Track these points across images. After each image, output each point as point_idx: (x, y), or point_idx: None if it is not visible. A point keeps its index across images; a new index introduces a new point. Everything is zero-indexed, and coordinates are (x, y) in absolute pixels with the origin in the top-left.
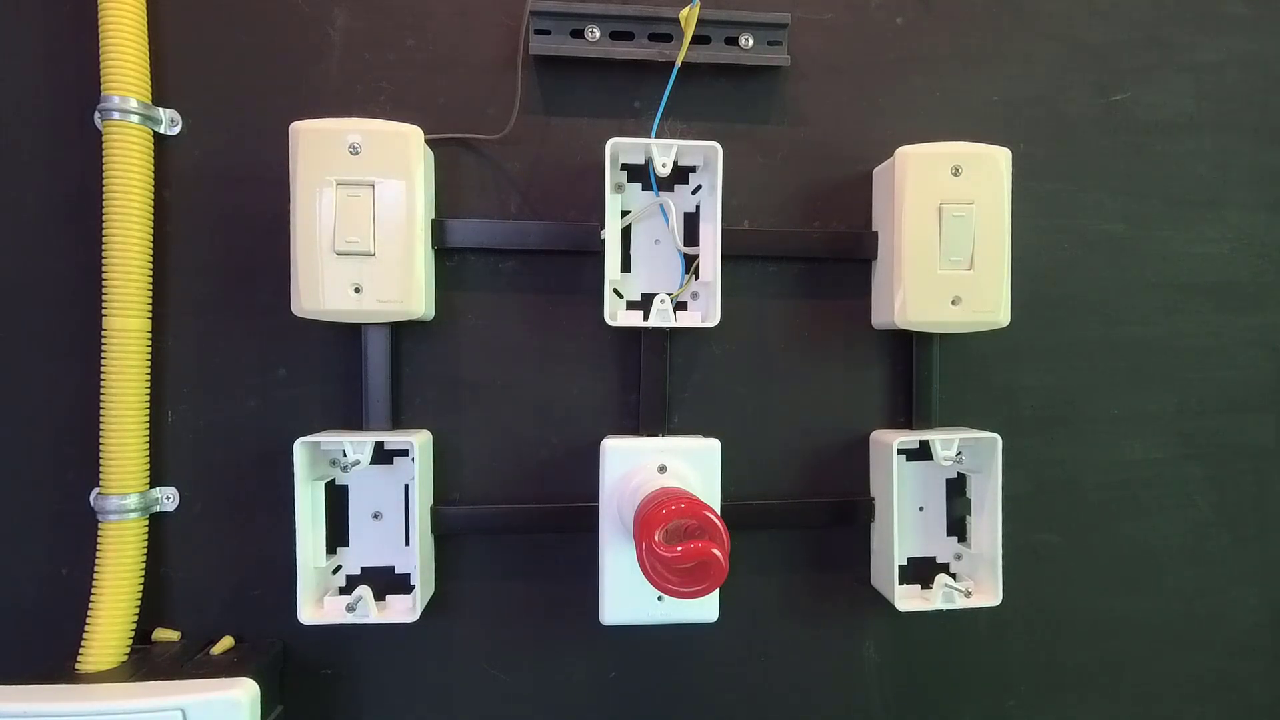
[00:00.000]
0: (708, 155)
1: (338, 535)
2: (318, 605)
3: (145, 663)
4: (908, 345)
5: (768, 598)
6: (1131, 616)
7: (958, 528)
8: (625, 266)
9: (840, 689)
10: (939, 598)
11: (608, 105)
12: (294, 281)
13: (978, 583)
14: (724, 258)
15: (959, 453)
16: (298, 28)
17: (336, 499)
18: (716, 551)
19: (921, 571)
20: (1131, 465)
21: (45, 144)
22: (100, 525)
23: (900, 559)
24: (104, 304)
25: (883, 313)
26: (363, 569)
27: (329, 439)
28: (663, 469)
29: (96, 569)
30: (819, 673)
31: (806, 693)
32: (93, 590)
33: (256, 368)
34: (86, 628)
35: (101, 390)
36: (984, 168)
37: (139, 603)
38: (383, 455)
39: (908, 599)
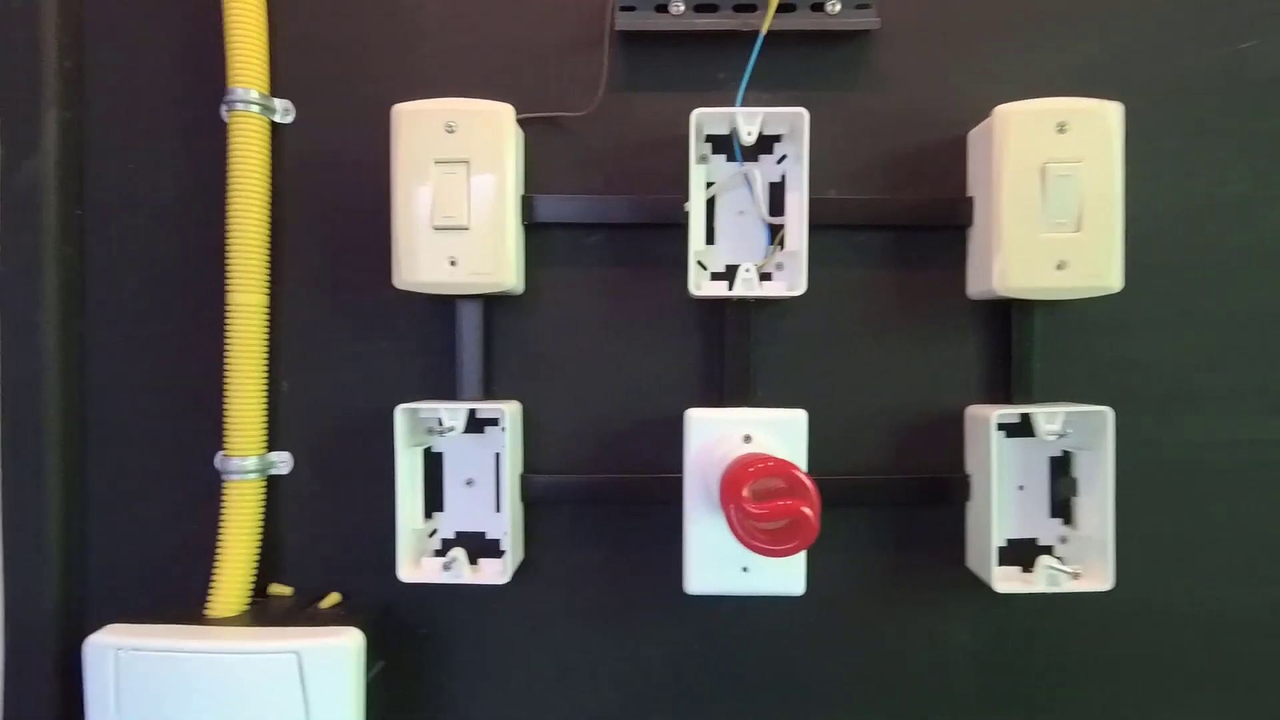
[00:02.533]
0: (794, 122)
1: (434, 501)
2: (415, 565)
3: (263, 613)
4: (1006, 315)
5: (854, 576)
6: (1253, 609)
7: (1061, 509)
8: (709, 239)
9: (932, 673)
10: (1042, 579)
11: (692, 78)
12: (395, 256)
13: (1086, 566)
14: (810, 227)
15: (1064, 428)
16: (395, 16)
17: (433, 466)
18: (806, 509)
19: (1021, 554)
20: (1254, 445)
21: (177, 134)
22: (224, 485)
23: (1000, 539)
24: (227, 281)
25: (979, 281)
26: (456, 533)
27: (426, 406)
28: (747, 439)
29: (221, 524)
30: (909, 655)
31: (895, 676)
32: (218, 544)
33: (361, 340)
34: (213, 579)
35: (225, 360)
36: (1093, 123)
37: (257, 558)
38: (475, 424)
39: (1007, 580)
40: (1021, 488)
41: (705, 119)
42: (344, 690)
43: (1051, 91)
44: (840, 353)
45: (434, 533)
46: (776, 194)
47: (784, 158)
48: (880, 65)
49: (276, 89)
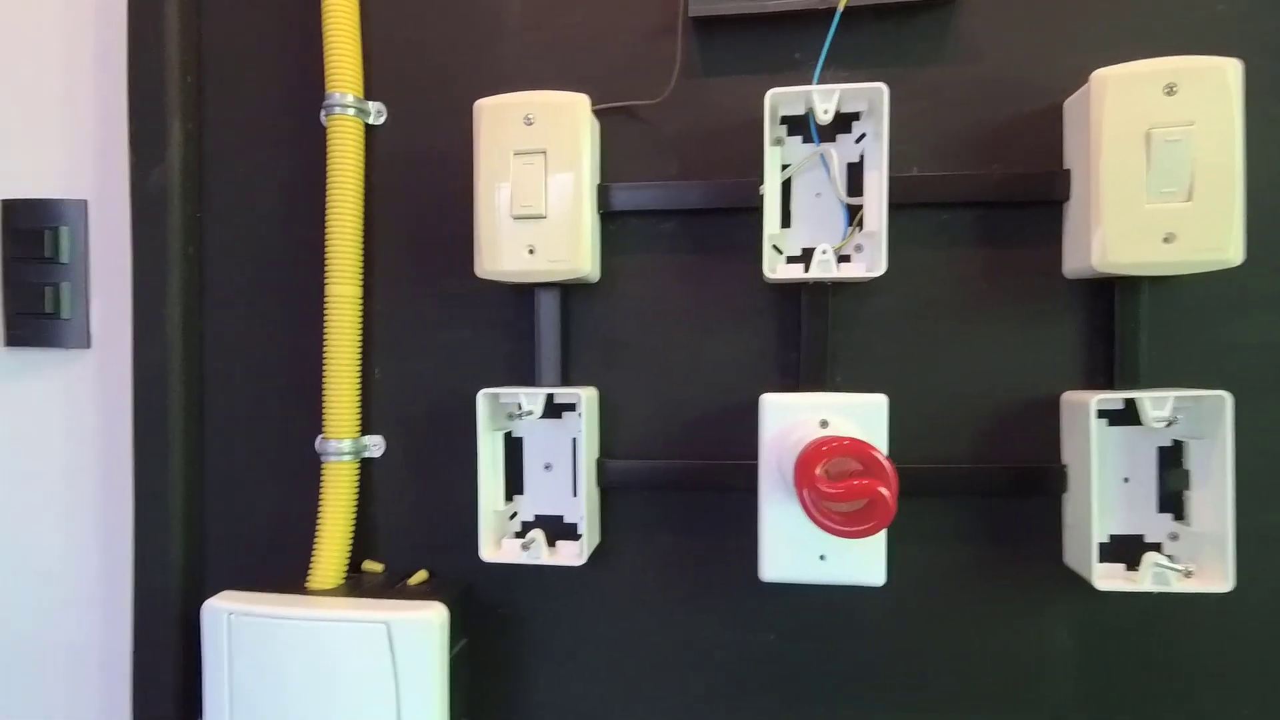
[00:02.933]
0: (872, 99)
1: (514, 484)
2: (496, 546)
3: (357, 587)
4: (1106, 295)
5: (940, 569)
6: None
7: (1171, 504)
8: (785, 222)
9: (1026, 675)
10: (1148, 578)
11: (767, 60)
12: (477, 245)
13: (1200, 565)
14: (891, 207)
15: (1174, 415)
16: (476, 16)
17: (513, 451)
18: (883, 490)
19: (1126, 551)
20: None
21: (283, 139)
22: (323, 466)
23: (1101, 535)
24: (326, 274)
25: (1077, 258)
26: (536, 516)
27: (506, 391)
28: (824, 424)
29: (320, 503)
30: (1000, 656)
31: (984, 676)
32: (317, 521)
33: (446, 329)
34: (313, 554)
35: (324, 348)
36: (1207, 83)
37: (352, 536)
38: (553, 410)
39: (1109, 578)
40: (1127, 480)
41: (780, 99)
42: (430, 661)
43: (1153, 53)
44: (924, 336)
45: (514, 515)
46: (855, 174)
47: (863, 136)
48: (964, 34)
49: (370, 93)
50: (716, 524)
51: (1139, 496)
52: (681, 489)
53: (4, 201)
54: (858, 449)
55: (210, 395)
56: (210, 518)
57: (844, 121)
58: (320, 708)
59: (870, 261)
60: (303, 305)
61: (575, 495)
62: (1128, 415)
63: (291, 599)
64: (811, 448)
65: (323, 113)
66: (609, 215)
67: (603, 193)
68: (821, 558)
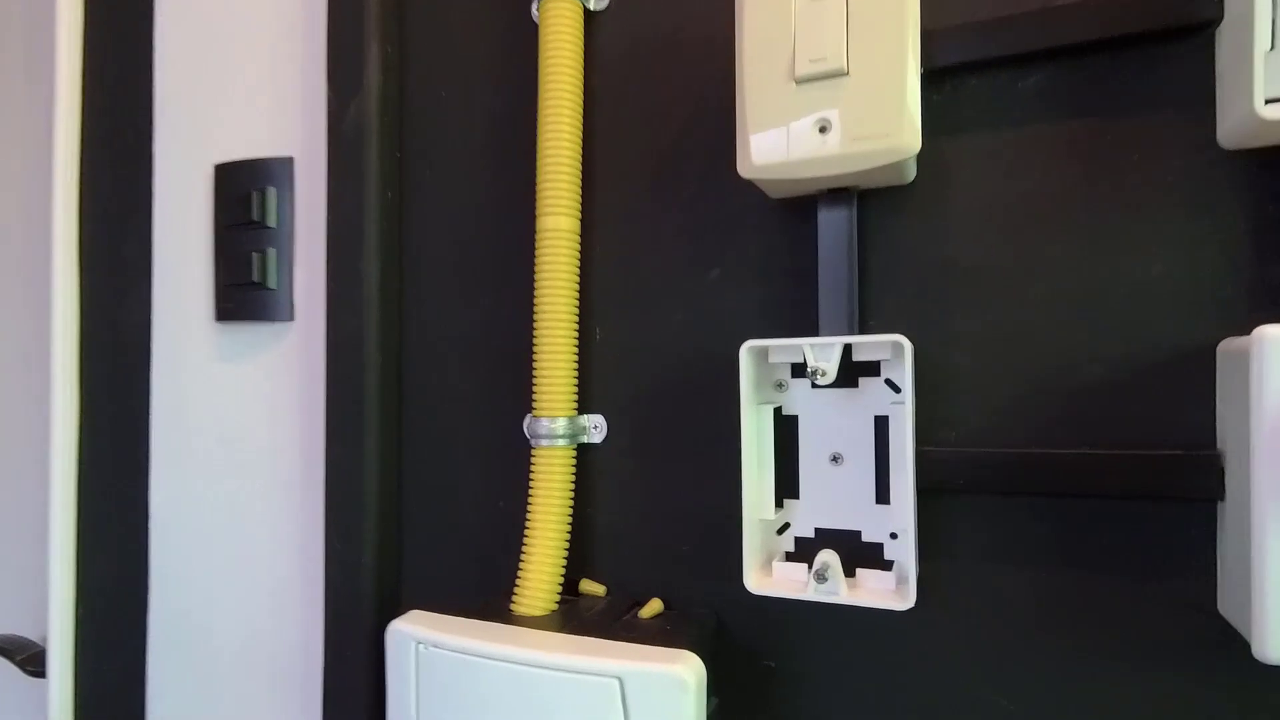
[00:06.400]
0: None
1: (784, 484)
2: (765, 571)
3: (574, 615)
4: None
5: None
6: None
7: None
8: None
9: None
10: None
11: None
12: (741, 130)
13: None
14: None
15: None
16: None
17: (780, 439)
18: None
19: None
20: None
21: (490, 45)
22: (532, 451)
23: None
24: (538, 204)
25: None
26: (816, 530)
27: (783, 343)
28: None
29: (530, 497)
30: None
31: None
32: (526, 525)
33: (686, 271)
34: (521, 566)
35: (535, 293)
36: None
37: (568, 540)
38: (843, 376)
39: None
40: None
41: None
42: None
43: None
44: None
45: (785, 528)
46: None
47: None
48: None
49: None
50: (1124, 551)
51: None
52: (1059, 493)
53: (216, 166)
54: None
55: (410, 363)
56: (407, 511)
57: None
58: None
59: None
60: (511, 256)
61: (881, 502)
62: None
63: (494, 630)
64: None
65: (534, 4)
66: (934, 76)
67: (928, 40)
68: None
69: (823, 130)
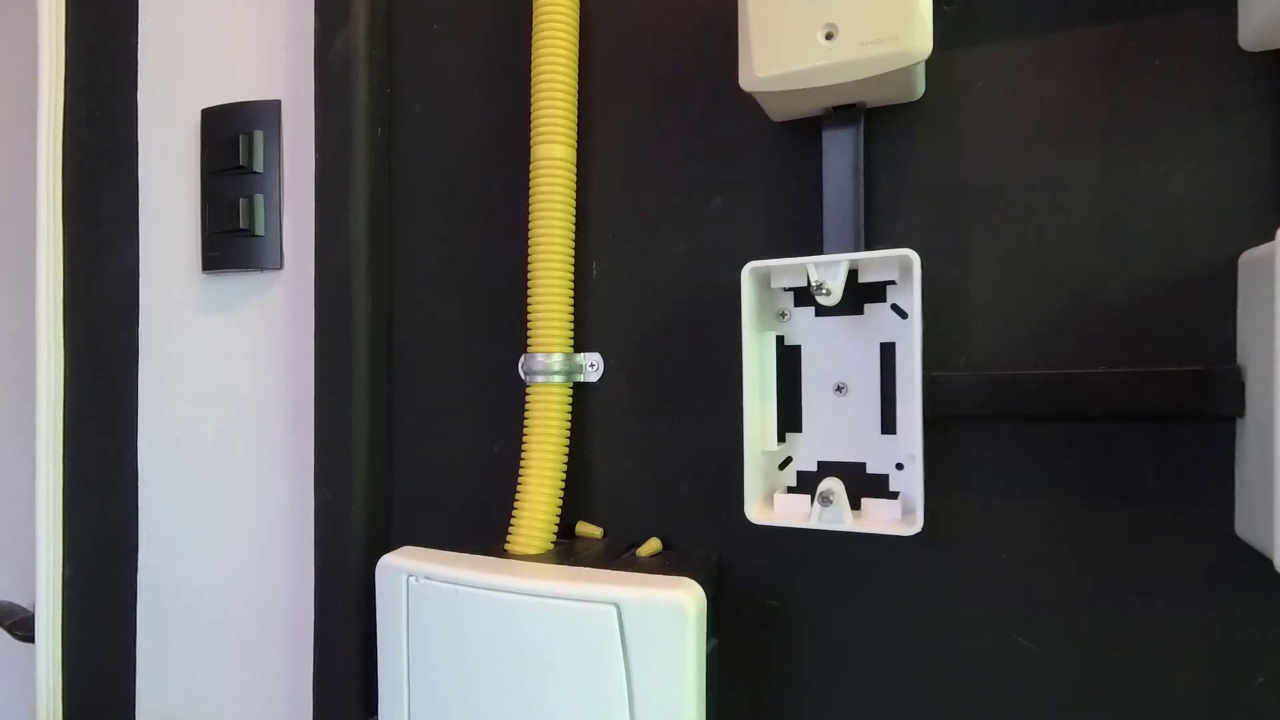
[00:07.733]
0: None
1: (787, 418)
2: (767, 503)
3: (570, 554)
4: None
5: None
6: None
7: None
8: None
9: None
10: None
11: None
12: (743, 39)
13: None
14: None
15: None
16: None
17: (784, 372)
18: None
19: None
20: None
21: None
22: (527, 390)
23: None
24: (532, 132)
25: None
26: (819, 464)
27: (785, 263)
28: None
29: (525, 437)
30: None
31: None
32: (521, 463)
33: (686, 200)
34: (516, 504)
35: (529, 225)
36: None
37: (563, 482)
38: (847, 301)
39: None
40: None
41: None
42: (677, 659)
43: None
44: None
45: (787, 462)
46: None
47: None
48: None
49: None
50: (1141, 477)
51: None
52: (1074, 417)
53: (203, 111)
54: None
55: (399, 304)
56: (399, 459)
57: None
58: (521, 706)
59: None
60: (505, 188)
61: (886, 432)
62: None
63: (487, 563)
64: None
65: None
66: None
67: None
68: None
69: (829, 37)
